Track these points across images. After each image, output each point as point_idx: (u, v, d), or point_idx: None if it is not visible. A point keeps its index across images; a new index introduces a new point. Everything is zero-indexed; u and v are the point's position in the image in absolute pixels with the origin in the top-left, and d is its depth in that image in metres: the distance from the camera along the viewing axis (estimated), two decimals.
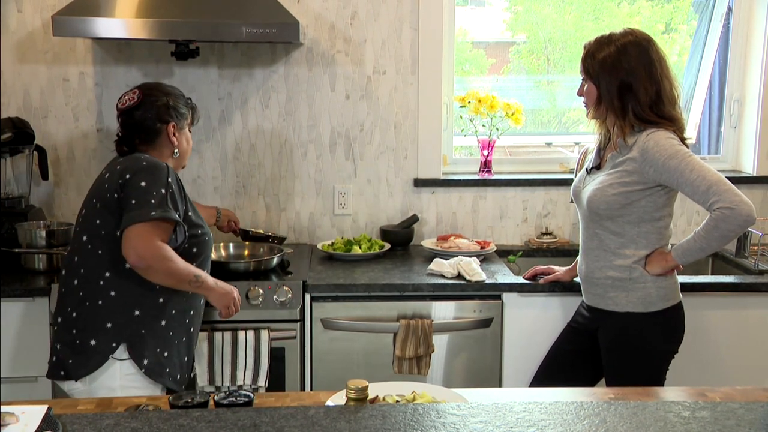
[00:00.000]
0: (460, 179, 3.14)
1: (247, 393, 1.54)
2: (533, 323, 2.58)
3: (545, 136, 3.52)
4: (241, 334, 2.42)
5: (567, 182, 3.03)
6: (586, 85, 2.25)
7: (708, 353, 2.60)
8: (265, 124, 3.06)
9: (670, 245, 2.26)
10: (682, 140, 2.19)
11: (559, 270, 2.58)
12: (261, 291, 2.49)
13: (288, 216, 3.11)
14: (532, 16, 3.46)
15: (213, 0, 2.61)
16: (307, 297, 2.55)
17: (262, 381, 2.44)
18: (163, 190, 2.04)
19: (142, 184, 2.03)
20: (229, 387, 2.42)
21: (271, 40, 2.67)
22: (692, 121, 3.40)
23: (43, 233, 2.68)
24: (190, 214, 2.15)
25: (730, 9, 3.25)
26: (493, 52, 3.47)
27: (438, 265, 2.68)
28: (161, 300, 2.11)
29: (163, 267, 2.01)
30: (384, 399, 1.63)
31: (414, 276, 2.65)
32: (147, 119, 2.17)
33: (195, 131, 3.03)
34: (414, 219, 3.10)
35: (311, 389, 2.56)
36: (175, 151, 2.22)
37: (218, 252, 2.81)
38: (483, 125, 3.15)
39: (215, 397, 1.52)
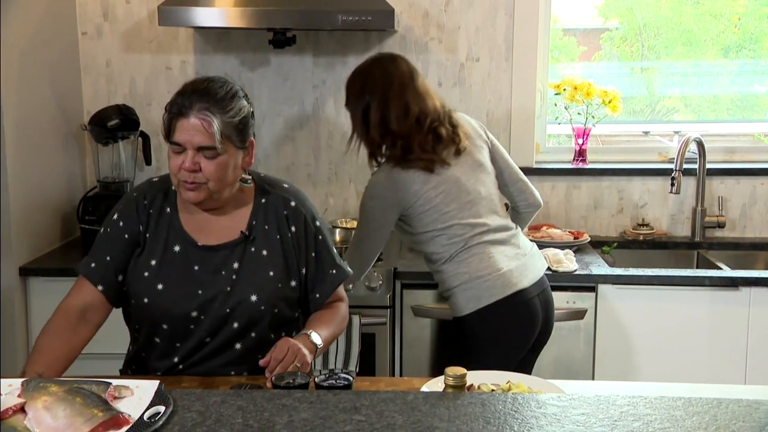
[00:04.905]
0: (553, 168, 3.08)
1: (347, 376, 1.56)
2: (629, 316, 2.52)
3: (641, 124, 3.42)
4: None
5: (666, 172, 2.94)
6: None
7: None
8: None
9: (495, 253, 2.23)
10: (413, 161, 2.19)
11: None
12: None
13: None
14: (626, 1, 3.36)
15: None
16: (398, 284, 2.56)
17: (352, 365, 2.46)
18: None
19: None
20: (320, 370, 2.45)
21: (365, 28, 2.69)
22: None
23: None
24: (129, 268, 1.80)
25: None
26: (583, 39, 3.39)
27: None
28: None
29: None
30: (479, 388, 1.62)
31: None
32: None
33: (288, 118, 3.10)
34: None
35: (401, 375, 2.58)
36: None
37: None
38: (578, 113, 3.08)
39: (316, 379, 1.55)
